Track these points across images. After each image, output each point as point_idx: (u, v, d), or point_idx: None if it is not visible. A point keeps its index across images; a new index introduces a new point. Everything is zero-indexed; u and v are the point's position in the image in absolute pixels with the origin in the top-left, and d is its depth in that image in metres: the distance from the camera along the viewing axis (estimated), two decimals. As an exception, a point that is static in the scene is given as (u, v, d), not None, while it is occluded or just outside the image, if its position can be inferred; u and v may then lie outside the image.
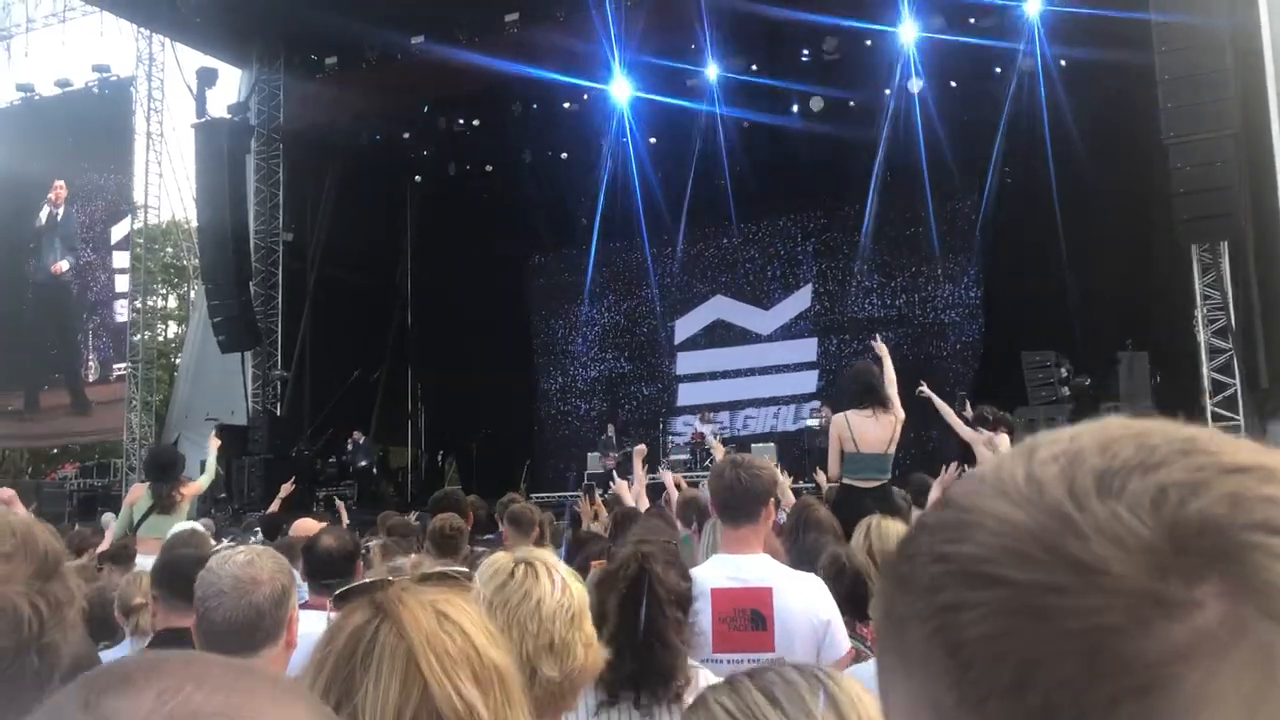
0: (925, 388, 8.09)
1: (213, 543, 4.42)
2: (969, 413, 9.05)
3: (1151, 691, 0.40)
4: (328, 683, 1.23)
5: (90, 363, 22.12)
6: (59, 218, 22.23)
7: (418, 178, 21.59)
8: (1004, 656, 0.42)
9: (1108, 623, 0.41)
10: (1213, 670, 0.40)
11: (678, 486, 7.01)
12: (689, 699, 2.44)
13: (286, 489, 9.15)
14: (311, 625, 2.71)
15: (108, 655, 3.80)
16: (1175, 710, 0.40)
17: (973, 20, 15.83)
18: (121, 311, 21.98)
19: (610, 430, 18.49)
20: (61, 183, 22.07)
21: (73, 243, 22.21)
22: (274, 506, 8.43)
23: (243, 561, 2.32)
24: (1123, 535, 0.42)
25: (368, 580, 1.35)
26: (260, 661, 2.22)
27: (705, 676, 2.49)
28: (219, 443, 9.20)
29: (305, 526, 6.37)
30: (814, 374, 20.16)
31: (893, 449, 6.66)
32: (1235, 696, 0.40)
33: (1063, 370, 13.73)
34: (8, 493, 6.76)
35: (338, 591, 1.33)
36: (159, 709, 0.58)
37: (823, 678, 1.14)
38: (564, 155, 20.11)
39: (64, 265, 22.21)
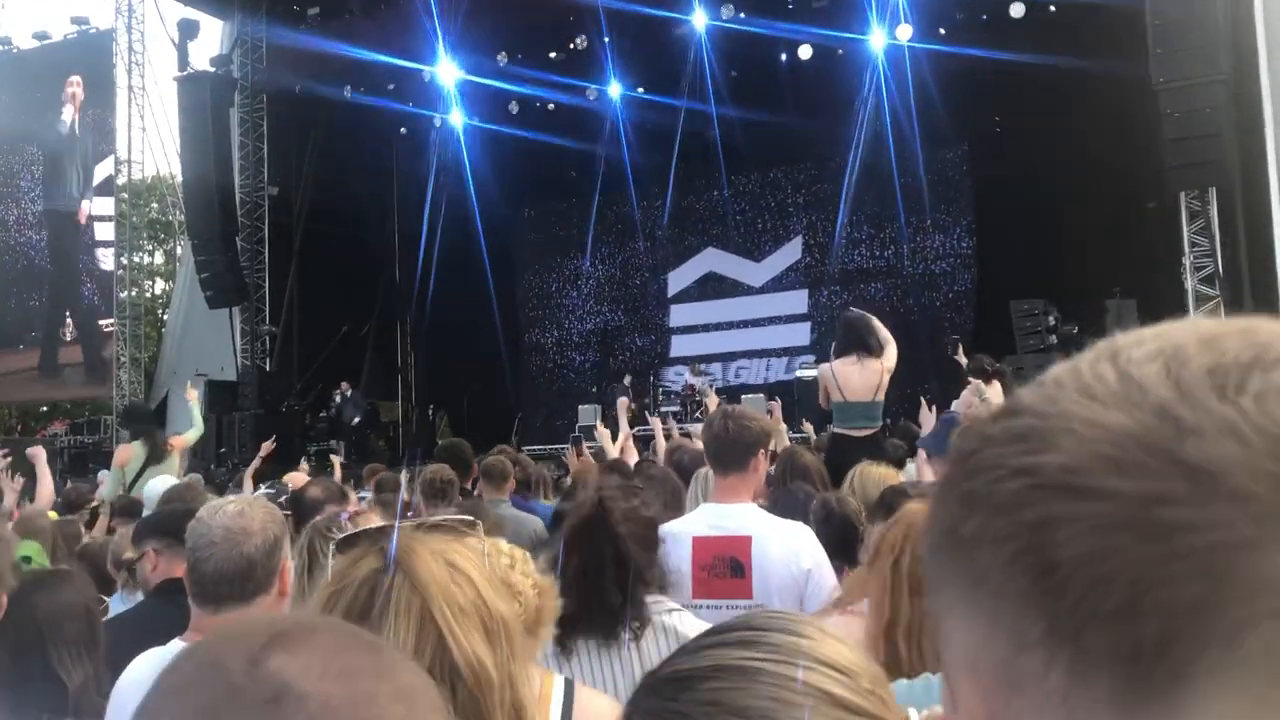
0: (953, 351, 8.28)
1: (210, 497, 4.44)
2: (961, 357, 9.09)
3: None
4: None
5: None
6: (78, 132, 21.20)
7: (403, 130, 21.40)
8: (1108, 579, 0.37)
9: (1235, 537, 0.36)
10: None
11: (666, 435, 7.04)
12: (655, 638, 2.43)
13: (267, 447, 9.18)
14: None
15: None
16: None
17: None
18: (105, 259, 21.37)
19: (627, 380, 18.51)
20: (78, 80, 21.03)
21: (90, 174, 21.20)
22: (255, 464, 8.45)
23: (234, 512, 2.33)
24: (1248, 435, 0.37)
25: (373, 526, 1.32)
26: (254, 611, 2.24)
27: (679, 619, 2.49)
28: (196, 393, 9.21)
29: (297, 480, 6.38)
30: (806, 326, 20.19)
31: (880, 396, 6.69)
32: None
33: (1050, 318, 13.77)
34: (37, 450, 6.93)
35: (341, 537, 1.32)
36: (328, 669, 0.60)
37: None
38: (551, 107, 19.95)
39: (86, 207, 21.18)
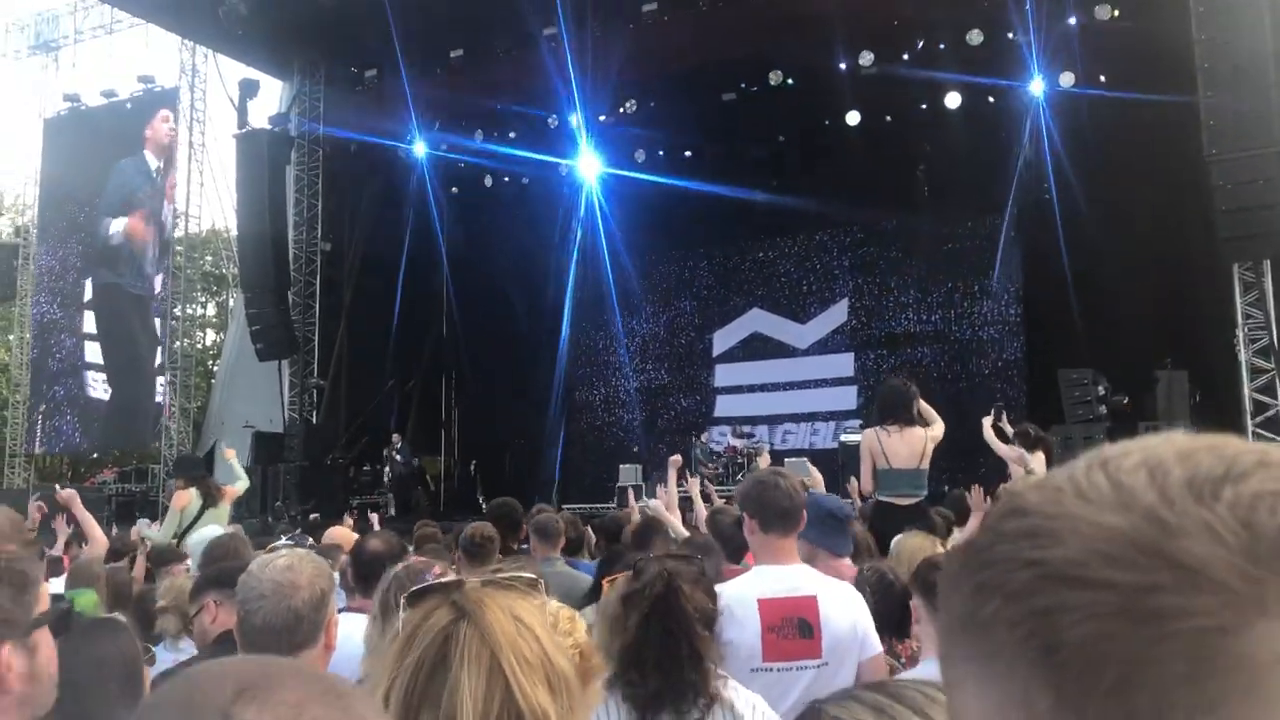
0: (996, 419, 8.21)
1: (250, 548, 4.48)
2: (1005, 424, 9.00)
3: (1255, 690, 0.41)
4: (410, 681, 1.26)
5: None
6: (158, 181, 21.28)
7: (455, 189, 21.75)
8: (1106, 657, 0.43)
9: (1214, 623, 0.42)
10: None
11: (706, 499, 6.98)
12: (719, 713, 2.46)
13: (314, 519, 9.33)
14: (352, 627, 2.74)
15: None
16: (1275, 707, 0.41)
17: (1009, 35, 15.79)
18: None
19: (703, 438, 18.49)
20: (169, 113, 21.36)
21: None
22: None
23: (283, 566, 2.37)
24: (1223, 536, 0.43)
25: (444, 581, 1.36)
26: (301, 663, 2.26)
27: (733, 688, 2.52)
28: (233, 451, 9.33)
29: (339, 534, 6.41)
30: (853, 389, 20.08)
31: (925, 464, 6.63)
32: None
33: (1100, 388, 13.59)
34: (69, 494, 6.95)
35: (412, 590, 1.36)
36: None
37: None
38: (601, 167, 20.21)
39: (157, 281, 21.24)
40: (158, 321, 21.16)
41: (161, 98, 21.48)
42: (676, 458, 6.87)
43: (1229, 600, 0.42)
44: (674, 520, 6.18)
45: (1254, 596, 0.42)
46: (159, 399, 20.82)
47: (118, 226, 21.39)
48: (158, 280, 21.16)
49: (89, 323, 21.64)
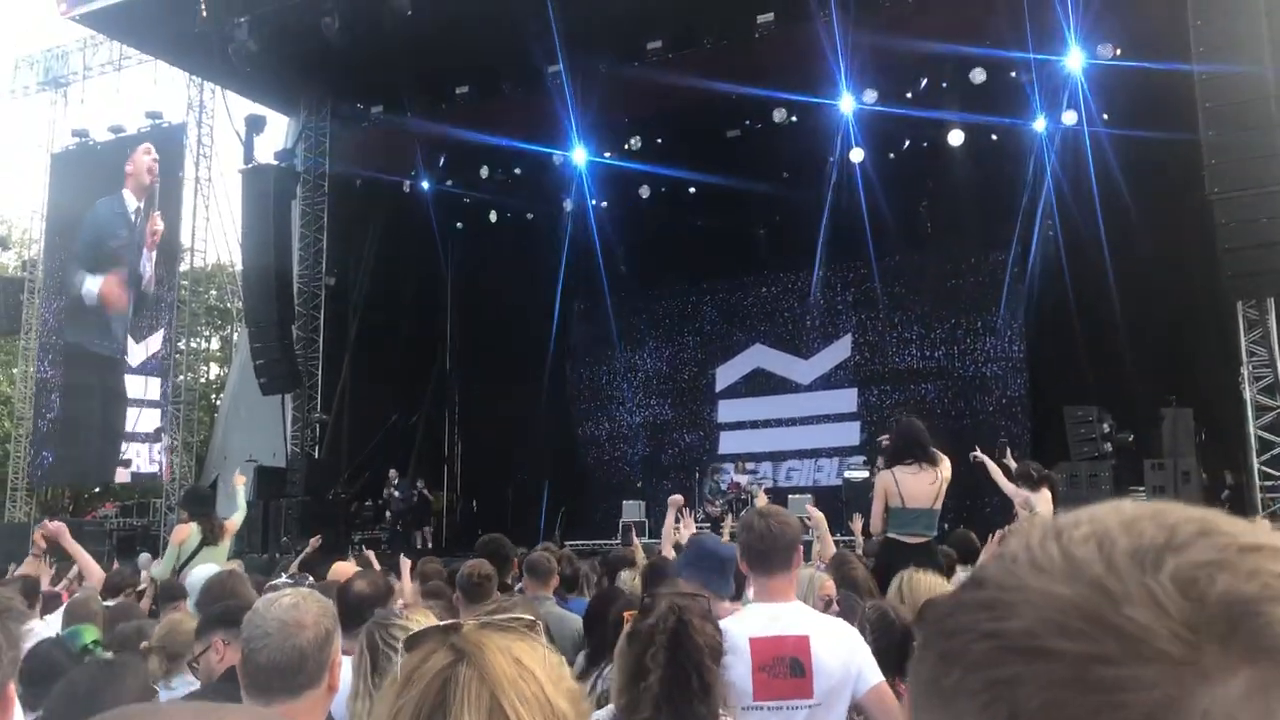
0: (978, 452, 8.08)
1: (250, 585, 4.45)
2: (1010, 460, 8.97)
3: None
4: None
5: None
6: (149, 279, 21.14)
7: (459, 224, 21.84)
8: None
9: (1159, 693, 0.43)
10: None
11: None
12: None
13: (314, 543, 9.27)
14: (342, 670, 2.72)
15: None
16: None
17: (1012, 74, 15.89)
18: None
19: (715, 476, 18.46)
20: (151, 146, 21.10)
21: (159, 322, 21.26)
22: (302, 556, 8.51)
23: (288, 604, 2.35)
24: (1165, 604, 0.45)
25: (442, 624, 1.35)
26: (302, 704, 2.25)
27: None
28: (244, 478, 9.33)
29: (341, 570, 6.36)
30: (856, 425, 20.04)
31: (938, 504, 6.60)
32: None
33: (1105, 425, 13.57)
34: (57, 525, 6.92)
35: (412, 634, 1.35)
36: None
37: None
38: (604, 204, 20.30)
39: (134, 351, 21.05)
40: (132, 380, 21.06)
41: (168, 133, 21.62)
42: (677, 497, 6.85)
43: (1171, 669, 0.44)
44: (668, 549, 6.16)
45: (1194, 665, 0.44)
46: (124, 455, 20.74)
47: (93, 285, 21.20)
48: (130, 342, 21.06)
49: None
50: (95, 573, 6.82)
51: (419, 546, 17.58)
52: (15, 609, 1.57)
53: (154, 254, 21.13)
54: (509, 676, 1.25)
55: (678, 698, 2.43)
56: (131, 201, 21.24)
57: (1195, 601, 0.45)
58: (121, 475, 21.16)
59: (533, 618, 1.40)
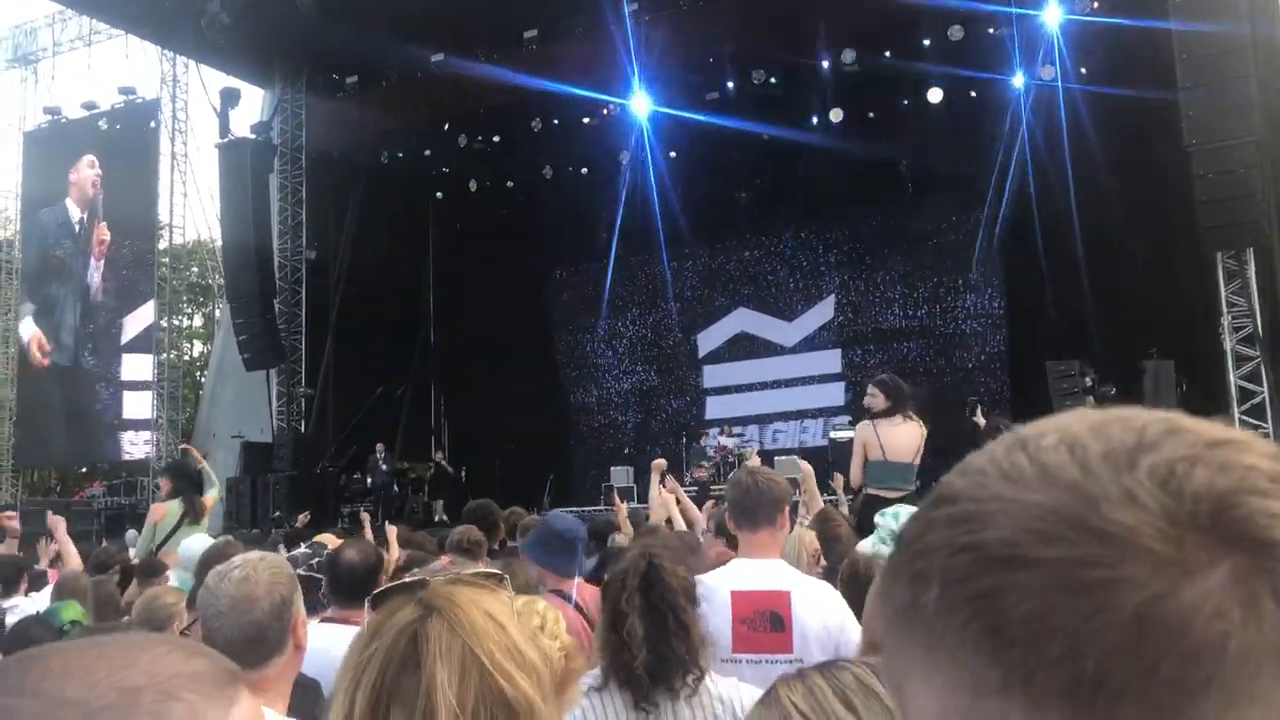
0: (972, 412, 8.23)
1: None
2: (979, 418, 9.02)
3: (1188, 649, 0.44)
4: (377, 678, 1.23)
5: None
6: (97, 289, 21.24)
7: (439, 194, 21.72)
8: (1051, 632, 0.45)
9: (1146, 590, 0.44)
10: (1237, 622, 0.44)
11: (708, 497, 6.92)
12: (709, 689, 2.50)
13: (303, 519, 9.28)
14: (335, 639, 2.72)
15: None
16: (1210, 667, 0.43)
17: (990, 30, 15.84)
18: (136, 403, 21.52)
19: (701, 441, 18.52)
20: (91, 159, 21.14)
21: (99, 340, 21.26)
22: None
23: (238, 579, 2.29)
24: (1145, 502, 0.46)
25: (408, 580, 1.35)
26: (270, 671, 2.23)
27: (713, 678, 2.56)
28: (199, 452, 9.29)
29: (327, 542, 6.37)
30: (840, 385, 20.11)
31: (918, 459, 6.64)
32: (1261, 645, 0.44)
33: (1087, 379, 13.64)
34: (57, 519, 7.00)
35: (376, 591, 1.34)
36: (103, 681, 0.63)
37: None
38: (584, 170, 20.21)
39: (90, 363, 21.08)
40: (128, 360, 21.23)
41: (142, 109, 21.40)
42: (659, 461, 6.82)
43: (1157, 566, 0.44)
44: (677, 517, 6.16)
45: (1178, 559, 0.44)
46: (121, 440, 20.70)
47: (24, 331, 21.54)
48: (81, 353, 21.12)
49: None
50: (74, 562, 6.88)
51: (436, 520, 17.60)
52: None
53: (101, 263, 21.21)
54: (481, 628, 1.26)
55: (656, 638, 2.46)
56: (75, 212, 21.36)
57: (1174, 496, 0.46)
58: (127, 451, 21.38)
59: (499, 572, 1.41)
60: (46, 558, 7.37)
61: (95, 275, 21.05)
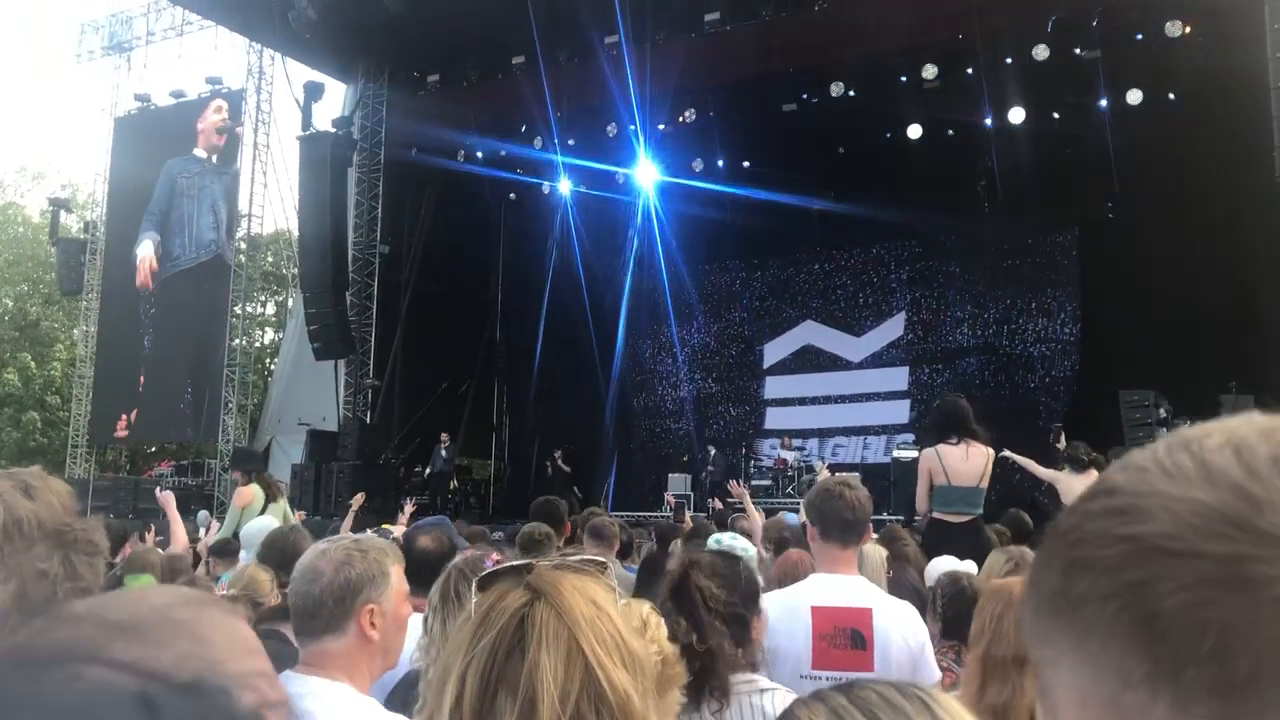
0: (1006, 451, 8.10)
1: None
2: (1062, 444, 8.87)
3: None
4: (487, 662, 1.23)
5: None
6: (215, 167, 21.36)
7: (513, 195, 21.90)
8: (1205, 625, 0.45)
9: None
10: None
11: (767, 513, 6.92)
12: (742, 716, 2.42)
13: (358, 500, 9.35)
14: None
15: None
16: None
17: (1077, 50, 15.58)
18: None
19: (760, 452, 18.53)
20: (223, 104, 21.45)
21: (220, 216, 21.20)
22: (348, 520, 8.58)
23: (317, 552, 2.37)
24: None
25: (516, 563, 1.35)
26: (324, 648, 2.26)
27: (769, 699, 2.46)
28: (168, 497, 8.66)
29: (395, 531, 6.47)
30: (906, 403, 19.90)
31: (985, 483, 6.54)
32: None
33: (1161, 410, 13.34)
34: (166, 495, 7.24)
35: (484, 574, 1.34)
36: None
37: (926, 699, 1.05)
38: (658, 178, 20.25)
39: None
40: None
41: (228, 99, 21.84)
42: (741, 489, 6.94)
43: None
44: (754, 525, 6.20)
45: None
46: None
47: (142, 250, 21.75)
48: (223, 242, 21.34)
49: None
50: (181, 541, 7.05)
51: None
52: (88, 542, 1.55)
53: (234, 207, 21.44)
54: (586, 616, 1.25)
55: (681, 649, 2.37)
56: (204, 156, 21.55)
57: None
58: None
59: (603, 560, 1.40)
60: (151, 538, 7.63)
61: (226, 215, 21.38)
